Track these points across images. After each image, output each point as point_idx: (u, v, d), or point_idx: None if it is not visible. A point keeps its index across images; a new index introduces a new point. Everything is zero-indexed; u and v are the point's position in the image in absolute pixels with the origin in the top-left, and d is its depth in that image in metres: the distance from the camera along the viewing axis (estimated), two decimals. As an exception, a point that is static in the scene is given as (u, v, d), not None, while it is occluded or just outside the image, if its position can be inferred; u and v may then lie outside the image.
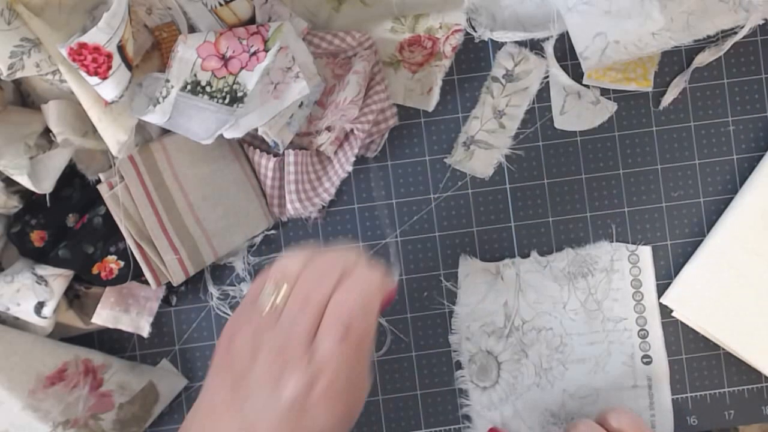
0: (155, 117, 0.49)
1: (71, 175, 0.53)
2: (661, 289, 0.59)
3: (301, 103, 0.54)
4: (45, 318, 0.52)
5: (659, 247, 0.59)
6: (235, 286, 0.59)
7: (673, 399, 0.59)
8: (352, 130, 0.56)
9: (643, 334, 0.59)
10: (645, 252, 0.59)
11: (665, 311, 0.59)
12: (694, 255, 0.59)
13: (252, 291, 0.45)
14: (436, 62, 0.58)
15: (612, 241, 0.59)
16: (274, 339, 0.42)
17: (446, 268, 0.59)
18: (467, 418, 0.59)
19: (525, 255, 0.59)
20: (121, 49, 0.46)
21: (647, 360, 0.59)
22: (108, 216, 0.53)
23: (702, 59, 0.58)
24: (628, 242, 0.59)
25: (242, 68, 0.49)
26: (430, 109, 0.59)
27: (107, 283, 0.54)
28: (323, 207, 0.59)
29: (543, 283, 0.59)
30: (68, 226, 0.54)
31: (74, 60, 0.45)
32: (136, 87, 0.50)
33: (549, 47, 0.57)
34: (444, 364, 0.60)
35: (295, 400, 0.41)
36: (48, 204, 0.52)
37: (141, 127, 0.53)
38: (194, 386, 0.59)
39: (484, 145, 0.59)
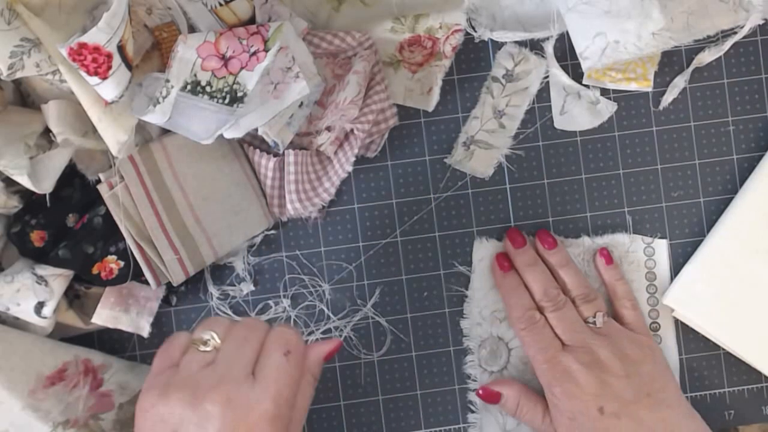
0: (155, 117, 0.49)
1: (71, 175, 0.53)
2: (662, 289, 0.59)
3: (301, 103, 0.54)
4: (45, 318, 0.52)
5: (659, 247, 0.60)
6: (235, 286, 0.59)
7: (673, 399, 0.59)
8: (352, 130, 0.56)
9: (655, 327, 0.59)
10: (661, 245, 0.59)
11: (666, 309, 0.59)
12: (694, 255, 0.59)
13: (161, 358, 0.45)
14: (436, 62, 0.58)
15: (629, 233, 0.59)
16: (212, 376, 0.42)
17: (446, 268, 0.60)
18: (472, 403, 0.59)
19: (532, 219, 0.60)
20: (121, 49, 0.46)
21: None
22: (108, 216, 0.53)
23: (702, 59, 0.58)
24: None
25: (242, 68, 0.49)
26: (430, 109, 0.59)
27: (107, 283, 0.54)
28: (323, 207, 0.59)
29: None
30: (68, 226, 0.54)
31: (74, 60, 0.45)
32: (136, 87, 0.50)
33: (549, 47, 0.57)
34: (444, 364, 0.60)
35: (239, 420, 0.41)
36: (48, 204, 0.52)
37: (141, 127, 0.53)
38: (194, 386, 0.59)
39: (484, 145, 0.59)
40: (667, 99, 0.59)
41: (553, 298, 0.56)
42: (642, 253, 0.59)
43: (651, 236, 0.59)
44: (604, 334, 0.55)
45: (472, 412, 0.59)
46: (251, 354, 0.44)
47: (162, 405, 0.42)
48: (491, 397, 0.57)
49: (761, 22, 0.57)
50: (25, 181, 0.49)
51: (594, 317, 0.56)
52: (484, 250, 0.59)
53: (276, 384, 0.42)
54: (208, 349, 0.44)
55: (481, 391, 0.57)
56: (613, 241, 0.59)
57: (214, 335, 0.44)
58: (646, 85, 0.58)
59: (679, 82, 0.58)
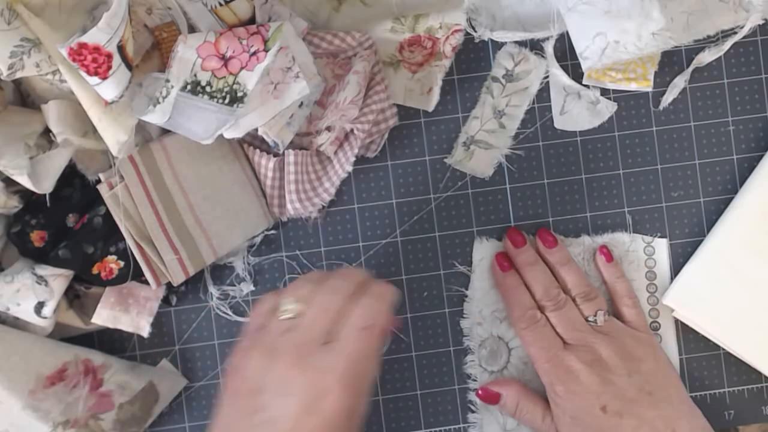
0: (155, 117, 0.49)
1: (71, 175, 0.53)
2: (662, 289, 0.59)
3: (301, 103, 0.54)
4: (45, 318, 0.52)
5: (659, 247, 0.60)
6: (235, 286, 0.59)
7: (673, 399, 0.59)
8: (352, 130, 0.56)
9: (655, 327, 0.59)
10: (661, 245, 0.59)
11: (666, 309, 0.59)
12: (694, 255, 0.59)
13: (253, 319, 0.48)
14: (436, 62, 0.58)
15: (629, 232, 0.59)
16: (290, 341, 0.45)
17: (446, 268, 0.59)
18: (472, 402, 0.59)
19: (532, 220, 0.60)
20: (121, 49, 0.46)
21: None
22: (108, 216, 0.53)
23: (702, 59, 0.58)
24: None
25: (242, 68, 0.49)
26: (430, 109, 0.59)
27: (107, 283, 0.54)
28: (323, 207, 0.59)
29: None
30: (68, 226, 0.54)
31: (74, 60, 0.45)
32: (136, 87, 0.50)
33: (549, 47, 0.57)
34: (444, 364, 0.60)
35: (312, 386, 0.43)
36: (48, 204, 0.52)
37: (141, 127, 0.53)
38: (194, 386, 0.59)
39: (484, 145, 0.59)
40: (667, 99, 0.59)
41: (553, 298, 0.56)
42: (642, 252, 0.59)
43: (651, 236, 0.59)
44: (606, 333, 0.55)
45: (473, 411, 0.59)
46: (328, 323, 0.45)
47: (246, 365, 0.45)
48: (490, 398, 0.57)
49: (761, 22, 0.57)
50: (25, 181, 0.49)
51: (595, 316, 0.56)
52: (484, 250, 0.59)
53: (348, 358, 0.44)
54: (289, 315, 0.46)
55: (480, 392, 0.57)
56: (613, 240, 0.59)
57: (296, 303, 0.46)
58: (646, 85, 0.58)
59: (679, 82, 0.58)
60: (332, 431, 0.43)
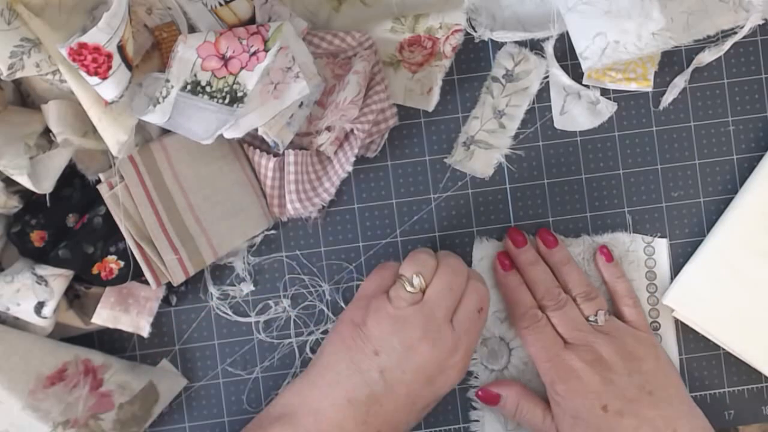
0: (155, 117, 0.49)
1: (71, 175, 0.53)
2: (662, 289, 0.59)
3: (301, 103, 0.54)
4: (45, 318, 0.52)
5: (659, 247, 0.60)
6: (235, 286, 0.59)
7: (673, 399, 0.59)
8: (352, 130, 0.56)
9: (655, 327, 0.59)
10: (661, 245, 0.59)
11: (666, 309, 0.59)
12: (694, 255, 0.59)
13: (371, 282, 0.53)
14: (436, 62, 0.58)
15: (629, 232, 0.59)
16: (420, 314, 0.49)
17: (446, 268, 0.60)
18: (473, 401, 0.59)
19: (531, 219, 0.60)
20: (121, 49, 0.46)
21: None
22: (108, 216, 0.53)
23: (702, 59, 0.58)
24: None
25: (242, 68, 0.49)
26: (430, 109, 0.59)
27: (107, 283, 0.54)
28: (323, 207, 0.59)
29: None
30: (68, 226, 0.54)
31: (74, 60, 0.45)
32: (136, 87, 0.50)
33: (549, 47, 0.57)
34: (444, 364, 0.60)
35: (438, 361, 0.49)
36: (48, 204, 0.52)
37: (141, 127, 0.53)
38: (194, 386, 0.59)
39: (484, 145, 0.59)
40: (667, 99, 0.59)
41: (554, 297, 0.56)
42: (642, 252, 0.59)
43: (651, 236, 0.59)
44: (606, 332, 0.55)
45: (474, 409, 0.59)
46: (453, 302, 0.51)
47: (373, 326, 0.50)
48: (490, 399, 0.57)
49: (761, 22, 0.57)
50: (25, 181, 0.49)
51: (595, 315, 0.56)
52: (484, 250, 0.59)
53: (468, 336, 0.50)
54: (414, 290, 0.50)
55: (480, 393, 0.57)
56: (613, 240, 0.59)
57: (422, 278, 0.51)
58: (646, 85, 0.58)
59: (679, 82, 0.58)
60: (435, 402, 0.51)
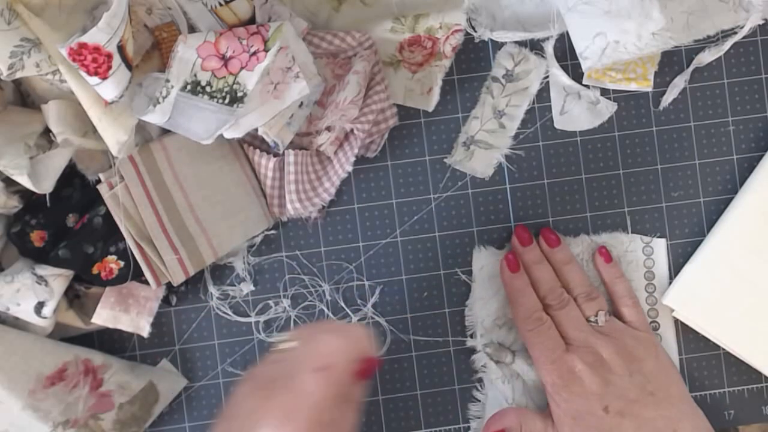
0: (155, 117, 0.49)
1: (71, 175, 0.53)
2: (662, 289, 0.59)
3: (301, 103, 0.54)
4: (45, 318, 0.52)
5: (659, 247, 0.60)
6: (235, 286, 0.59)
7: (673, 399, 0.59)
8: (352, 130, 0.56)
9: (655, 327, 0.59)
10: (659, 245, 0.59)
11: (666, 309, 0.59)
12: (694, 255, 0.59)
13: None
14: (436, 62, 0.58)
15: (628, 232, 0.59)
16: (267, 374, 0.45)
17: (446, 268, 0.59)
18: (480, 381, 0.59)
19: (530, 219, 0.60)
20: (121, 49, 0.46)
21: None
22: (108, 216, 0.53)
23: (702, 59, 0.58)
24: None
25: (242, 68, 0.49)
26: (430, 109, 0.59)
27: (107, 283, 0.54)
28: (323, 207, 0.59)
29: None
30: (68, 226, 0.54)
31: (74, 60, 0.45)
32: (136, 87, 0.50)
33: (549, 47, 0.57)
34: (444, 364, 0.60)
35: (278, 419, 0.42)
36: (48, 204, 0.52)
37: (141, 127, 0.53)
38: (194, 386, 0.59)
39: (484, 145, 0.59)
40: (667, 99, 0.59)
41: (558, 296, 0.56)
42: (641, 252, 0.59)
43: (650, 236, 0.59)
44: (607, 333, 0.55)
45: (478, 390, 0.59)
46: (311, 359, 0.44)
47: (236, 392, 0.45)
48: None
49: (761, 22, 0.57)
50: (25, 181, 0.49)
51: (596, 316, 0.56)
52: (483, 259, 0.59)
53: (303, 400, 0.42)
54: (280, 348, 0.46)
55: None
56: (611, 240, 0.59)
57: (288, 337, 0.46)
58: (646, 85, 0.58)
59: (679, 82, 0.58)
60: None
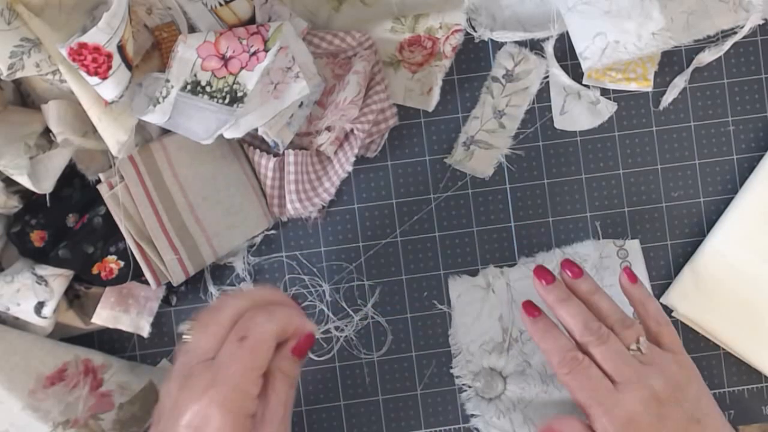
0: (155, 117, 0.49)
1: (71, 175, 0.53)
2: (662, 289, 0.59)
3: (301, 103, 0.54)
4: (45, 318, 0.52)
5: (659, 246, 0.59)
6: (235, 286, 0.59)
7: (673, 399, 0.59)
8: (352, 130, 0.56)
9: None
10: (633, 246, 0.59)
11: (666, 309, 0.59)
12: (694, 255, 0.59)
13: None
14: (436, 62, 0.58)
15: (598, 239, 0.59)
16: (178, 364, 0.44)
17: (446, 269, 0.60)
18: (477, 430, 0.59)
19: (524, 253, 0.59)
20: (121, 49, 0.46)
21: None
22: (108, 216, 0.53)
23: (702, 59, 0.58)
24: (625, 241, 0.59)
25: (242, 68, 0.49)
26: (430, 109, 0.59)
27: (107, 283, 0.54)
28: (323, 207, 0.59)
29: (534, 289, 0.57)
30: (68, 226, 0.54)
31: (74, 60, 0.45)
32: (136, 87, 0.50)
33: (549, 47, 0.57)
34: (444, 364, 0.60)
35: (197, 410, 0.41)
36: (48, 204, 0.52)
37: (141, 127, 0.53)
38: (194, 386, 0.59)
39: (484, 145, 0.59)
40: (667, 99, 0.59)
41: (595, 332, 0.50)
42: (616, 256, 0.58)
43: (622, 238, 0.59)
44: (651, 363, 0.50)
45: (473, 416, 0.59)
46: (211, 341, 0.44)
47: (161, 392, 0.45)
48: None
49: (761, 22, 0.57)
50: (25, 181, 0.49)
51: (637, 343, 0.50)
52: (459, 287, 0.59)
53: (226, 370, 0.42)
54: (187, 339, 0.45)
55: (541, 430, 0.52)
56: (584, 249, 0.58)
57: (191, 326, 0.45)
58: (646, 85, 0.58)
59: (679, 82, 0.58)
60: None
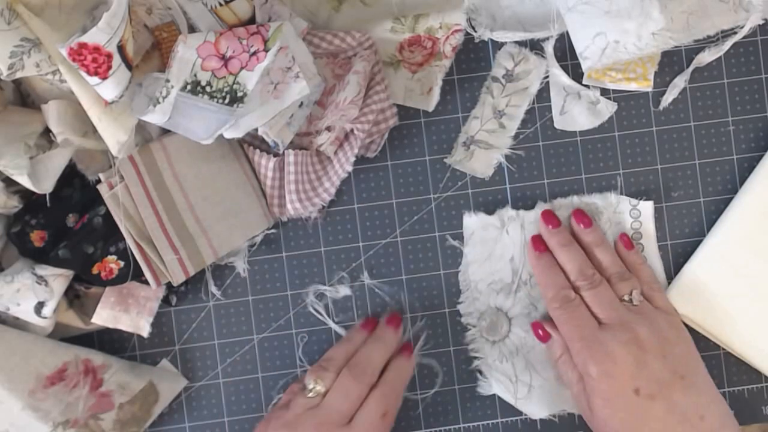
0: (155, 117, 0.49)
1: (71, 175, 0.53)
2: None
3: (301, 103, 0.54)
4: (45, 318, 0.52)
5: (659, 246, 0.59)
6: (234, 286, 0.59)
7: (673, 399, 0.59)
8: (352, 130, 0.56)
9: None
10: (646, 207, 0.59)
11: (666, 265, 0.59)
12: (694, 255, 0.59)
13: (284, 397, 0.55)
14: (436, 62, 0.58)
15: (620, 193, 0.59)
16: (312, 419, 0.51)
17: (446, 268, 0.60)
18: (479, 372, 0.59)
19: (529, 207, 0.59)
20: (121, 49, 0.46)
21: None
22: (108, 216, 0.53)
23: (702, 59, 0.58)
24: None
25: (242, 68, 0.49)
26: (430, 109, 0.59)
27: (107, 283, 0.54)
28: (323, 207, 0.59)
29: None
30: (68, 226, 0.54)
31: (74, 60, 0.45)
32: (136, 87, 0.50)
33: (549, 47, 0.57)
34: (444, 364, 0.60)
35: None
36: (48, 204, 0.52)
37: (141, 127, 0.53)
38: (194, 386, 0.59)
39: (484, 145, 0.59)
40: (667, 99, 0.59)
41: (588, 277, 0.55)
42: (628, 215, 0.59)
43: (638, 198, 0.59)
44: (640, 313, 0.54)
45: (480, 376, 0.59)
46: (350, 406, 0.52)
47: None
48: (542, 336, 0.56)
49: (761, 22, 0.57)
50: (25, 181, 0.49)
51: (630, 295, 0.55)
52: (473, 224, 0.59)
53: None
54: (312, 395, 0.52)
55: (535, 325, 0.57)
56: (601, 201, 0.59)
57: (321, 383, 0.53)
58: (646, 85, 0.58)
59: (679, 82, 0.58)
60: None
